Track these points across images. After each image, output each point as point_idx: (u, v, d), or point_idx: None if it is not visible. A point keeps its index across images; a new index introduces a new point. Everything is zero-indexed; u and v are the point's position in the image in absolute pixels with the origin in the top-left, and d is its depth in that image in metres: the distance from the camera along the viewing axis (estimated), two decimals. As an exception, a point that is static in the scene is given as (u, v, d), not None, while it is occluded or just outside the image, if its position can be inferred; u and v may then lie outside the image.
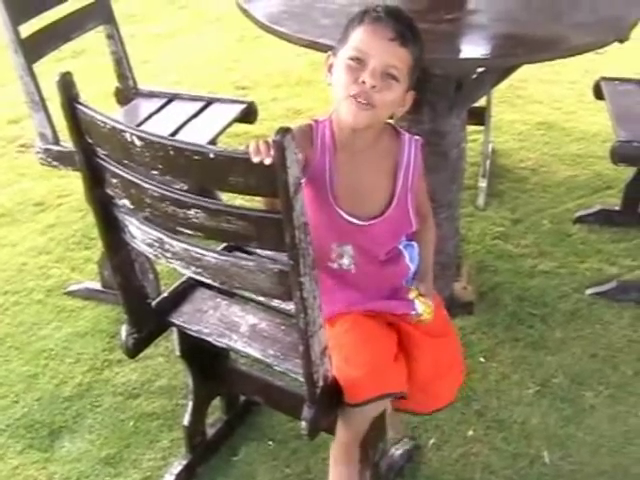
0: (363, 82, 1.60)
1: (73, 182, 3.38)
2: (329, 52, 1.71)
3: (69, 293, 2.82)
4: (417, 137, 1.78)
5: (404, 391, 1.73)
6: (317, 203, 1.69)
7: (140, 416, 2.32)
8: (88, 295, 2.79)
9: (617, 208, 3.14)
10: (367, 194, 1.73)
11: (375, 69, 1.60)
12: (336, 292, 1.75)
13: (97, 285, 2.79)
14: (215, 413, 2.25)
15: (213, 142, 2.76)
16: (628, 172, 3.12)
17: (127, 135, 1.46)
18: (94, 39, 3.21)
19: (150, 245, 1.64)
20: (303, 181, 1.58)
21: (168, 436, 2.25)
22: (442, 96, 2.34)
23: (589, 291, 2.77)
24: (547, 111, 4.07)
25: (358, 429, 1.78)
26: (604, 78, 3.07)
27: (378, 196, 1.74)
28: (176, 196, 1.49)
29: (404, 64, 1.63)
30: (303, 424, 1.62)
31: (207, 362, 2.05)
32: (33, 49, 2.57)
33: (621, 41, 2.22)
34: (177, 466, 2.12)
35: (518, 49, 2.15)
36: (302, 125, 1.70)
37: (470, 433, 2.23)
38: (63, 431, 2.28)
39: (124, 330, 1.86)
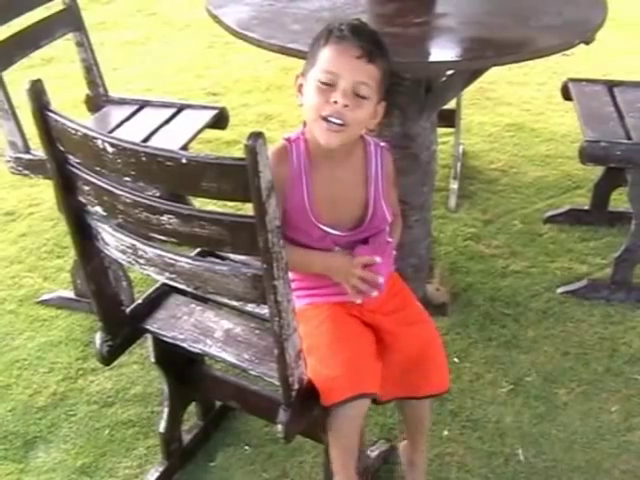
0: (335, 102, 1.63)
1: (44, 191, 3.36)
2: (297, 73, 1.73)
3: (42, 302, 2.80)
4: (382, 143, 1.82)
5: (377, 393, 1.73)
6: (298, 221, 1.72)
7: (115, 424, 2.31)
8: (61, 304, 2.78)
9: (586, 208, 3.18)
10: (344, 206, 1.77)
11: (346, 89, 1.63)
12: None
13: (70, 294, 2.77)
14: (191, 419, 2.25)
15: (185, 148, 2.76)
16: (597, 172, 3.16)
17: (99, 142, 1.46)
18: (64, 46, 3.20)
19: (123, 252, 1.64)
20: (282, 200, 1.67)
21: (144, 443, 2.24)
22: (412, 99, 2.36)
23: (560, 290, 2.80)
24: (516, 113, 4.12)
25: (345, 434, 1.76)
26: (572, 79, 3.10)
27: (354, 207, 1.78)
28: (149, 202, 1.49)
29: (373, 80, 1.66)
30: (279, 427, 1.62)
31: (182, 368, 2.05)
32: (1, 57, 2.55)
33: (587, 43, 2.26)
34: (154, 473, 2.11)
35: (486, 51, 2.17)
36: (276, 149, 1.73)
37: (445, 433, 2.25)
38: (38, 441, 2.27)
39: (98, 338, 1.86)
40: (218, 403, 2.29)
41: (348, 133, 1.68)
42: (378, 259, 1.75)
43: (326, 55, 1.66)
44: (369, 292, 1.75)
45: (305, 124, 1.74)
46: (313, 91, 1.66)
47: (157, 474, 2.11)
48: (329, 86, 1.64)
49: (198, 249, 1.98)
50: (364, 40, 1.65)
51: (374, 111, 1.71)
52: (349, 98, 1.63)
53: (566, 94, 3.08)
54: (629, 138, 2.67)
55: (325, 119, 1.65)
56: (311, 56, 1.70)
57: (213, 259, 1.92)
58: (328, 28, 1.68)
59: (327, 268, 1.76)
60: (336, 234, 1.76)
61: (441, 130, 3.05)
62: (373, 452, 2.14)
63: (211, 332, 1.84)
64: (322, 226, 1.74)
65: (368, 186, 1.78)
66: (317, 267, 1.77)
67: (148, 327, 1.89)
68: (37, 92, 1.52)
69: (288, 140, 1.74)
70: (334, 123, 1.64)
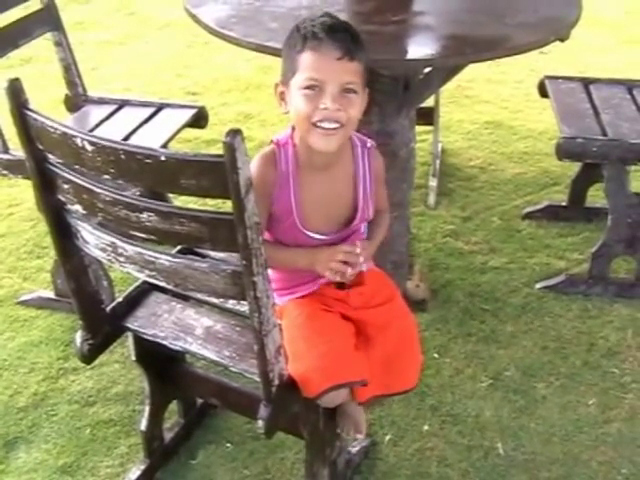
0: (325, 108, 1.62)
1: (24, 191, 3.35)
2: (276, 81, 1.72)
3: (22, 303, 2.79)
4: (369, 143, 1.81)
5: (364, 379, 1.74)
6: (284, 224, 1.73)
7: (97, 423, 2.31)
8: (41, 304, 2.77)
9: (564, 204, 3.21)
10: (332, 209, 1.78)
11: (334, 92, 1.62)
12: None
13: (50, 294, 2.77)
14: (172, 417, 2.25)
15: (164, 147, 2.75)
16: (574, 168, 3.19)
17: (78, 140, 1.47)
18: (42, 46, 3.18)
19: (103, 250, 1.64)
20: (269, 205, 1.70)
21: (126, 442, 2.24)
22: (390, 96, 2.38)
23: (538, 285, 2.83)
24: (494, 110, 4.14)
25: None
26: (548, 77, 3.13)
27: (342, 209, 1.79)
28: (128, 200, 1.49)
29: (358, 75, 1.65)
30: (260, 423, 1.63)
31: (163, 366, 2.05)
32: (-21, 57, 2.55)
33: (562, 40, 2.28)
34: (135, 472, 2.12)
35: (463, 48, 2.20)
36: (264, 154, 1.73)
37: (425, 428, 2.27)
38: (18, 442, 2.26)
39: (79, 336, 1.86)
40: (199, 401, 2.30)
41: (345, 132, 1.67)
42: (358, 249, 1.74)
43: (306, 61, 1.62)
44: (345, 272, 1.75)
45: (294, 128, 1.72)
46: (300, 100, 1.64)
47: (139, 472, 2.11)
48: (315, 91, 1.62)
49: (179, 247, 1.99)
50: (341, 39, 1.62)
51: (362, 101, 1.70)
52: (338, 100, 1.62)
53: (543, 91, 3.10)
54: (604, 134, 2.70)
55: (318, 125, 1.64)
56: (288, 62, 1.67)
57: (193, 256, 1.93)
58: (301, 32, 1.64)
59: (312, 263, 1.76)
60: (321, 239, 1.76)
61: (420, 128, 3.07)
62: (354, 447, 2.15)
63: (191, 329, 1.84)
64: (307, 232, 1.74)
65: (357, 188, 1.77)
66: (302, 263, 1.77)
67: (129, 325, 1.90)
68: (15, 91, 1.52)
69: (277, 144, 1.72)
70: (329, 127, 1.64)
